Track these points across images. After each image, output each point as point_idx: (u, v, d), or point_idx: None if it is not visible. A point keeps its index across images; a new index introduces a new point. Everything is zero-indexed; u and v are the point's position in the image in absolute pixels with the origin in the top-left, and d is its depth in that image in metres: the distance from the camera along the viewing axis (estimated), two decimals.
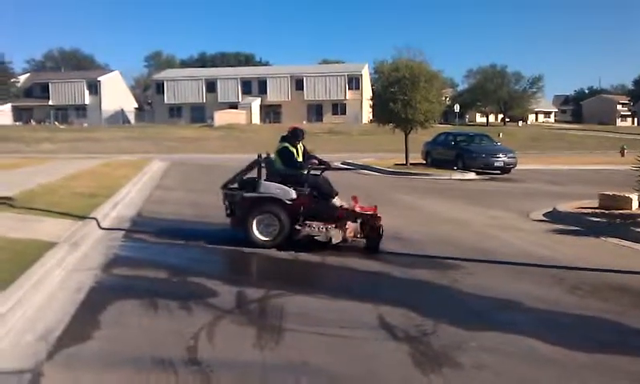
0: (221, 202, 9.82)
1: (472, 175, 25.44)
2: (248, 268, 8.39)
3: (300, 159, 9.74)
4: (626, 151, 37.85)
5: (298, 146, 9.90)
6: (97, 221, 10.77)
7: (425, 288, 7.11)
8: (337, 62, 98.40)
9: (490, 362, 4.73)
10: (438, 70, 29.30)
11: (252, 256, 8.77)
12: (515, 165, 27.12)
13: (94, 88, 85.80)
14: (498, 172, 26.59)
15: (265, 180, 9.47)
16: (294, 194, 9.13)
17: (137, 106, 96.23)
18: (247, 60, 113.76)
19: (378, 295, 6.64)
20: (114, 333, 5.33)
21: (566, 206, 13.30)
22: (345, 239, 8.98)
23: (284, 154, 9.62)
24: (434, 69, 28.24)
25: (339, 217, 9.09)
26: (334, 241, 8.85)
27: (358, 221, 9.22)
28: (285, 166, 9.55)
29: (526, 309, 6.26)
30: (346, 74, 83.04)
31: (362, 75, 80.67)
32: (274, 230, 9.04)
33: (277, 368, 4.58)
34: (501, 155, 27.16)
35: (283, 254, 8.69)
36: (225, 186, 9.86)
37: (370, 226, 9.14)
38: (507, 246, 9.70)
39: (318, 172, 9.87)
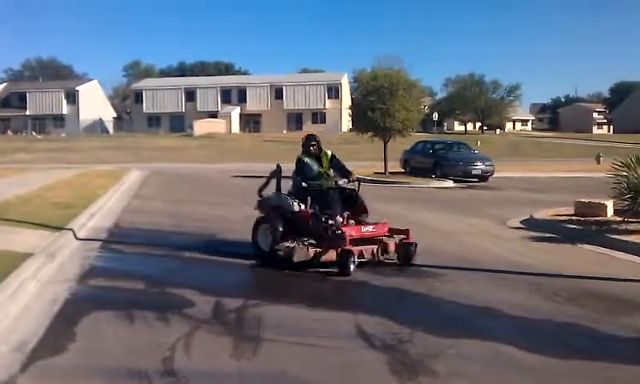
0: (199, 212, 9.74)
1: (450, 183, 25.60)
2: (225, 278, 8.34)
3: (319, 169, 9.15)
4: (601, 159, 38.26)
5: (322, 155, 9.36)
6: (73, 231, 10.68)
7: (402, 296, 7.12)
8: (316, 71, 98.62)
9: (466, 370, 4.74)
10: (417, 78, 29.52)
11: (229, 266, 8.74)
12: (493, 173, 27.35)
13: (72, 97, 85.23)
14: (476, 180, 26.80)
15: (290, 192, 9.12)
16: (295, 207, 8.75)
17: (115, 115, 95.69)
18: (227, 69, 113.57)
19: (356, 304, 6.64)
20: (89, 344, 5.28)
21: (542, 214, 13.41)
22: (322, 262, 8.28)
23: (296, 166, 9.20)
24: (412, 78, 28.47)
25: (327, 237, 8.36)
26: (295, 259, 8.14)
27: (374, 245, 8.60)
28: (301, 178, 9.01)
29: (504, 316, 6.29)
30: (325, 83, 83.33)
31: (341, 84, 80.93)
32: (271, 241, 8.68)
33: (254, 378, 4.56)
34: (478, 163, 27.40)
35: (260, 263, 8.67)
36: (258, 192, 9.53)
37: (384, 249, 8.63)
38: (484, 253, 9.76)
39: (352, 185, 9.21)
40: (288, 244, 8.36)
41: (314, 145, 9.31)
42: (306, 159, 9.20)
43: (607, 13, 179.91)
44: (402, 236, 8.81)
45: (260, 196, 9.41)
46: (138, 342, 5.34)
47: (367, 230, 8.57)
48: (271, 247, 8.59)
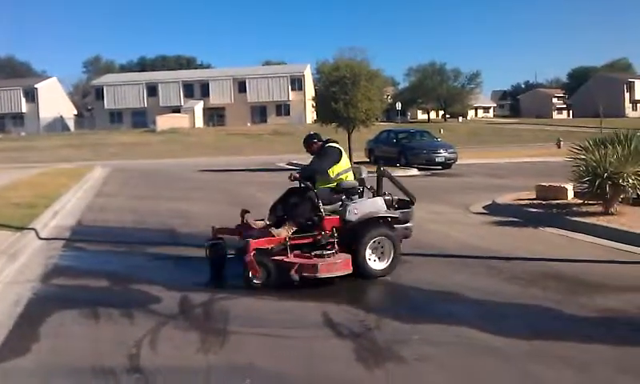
0: (162, 208, 9.67)
1: (414, 171, 25.80)
2: (191, 272, 8.31)
3: (315, 167, 7.87)
4: (561, 143, 38.88)
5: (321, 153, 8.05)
6: (36, 231, 10.53)
7: (368, 284, 7.17)
8: (279, 64, 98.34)
9: (432, 354, 4.81)
10: (379, 68, 29.50)
11: (195, 260, 8.68)
12: (456, 160, 27.63)
13: (31, 96, 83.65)
14: (440, 167, 27.05)
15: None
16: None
17: (76, 112, 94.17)
18: (188, 63, 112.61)
19: (323, 294, 6.66)
20: (53, 344, 5.23)
21: (504, 198, 13.61)
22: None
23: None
24: (374, 68, 28.50)
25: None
26: None
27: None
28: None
29: (467, 300, 6.39)
30: (288, 75, 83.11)
31: (304, 76, 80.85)
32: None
33: (221, 372, 4.57)
34: (442, 151, 27.66)
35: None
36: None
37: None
38: (447, 239, 9.88)
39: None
40: None
41: (312, 144, 8.26)
42: (314, 158, 8.13)
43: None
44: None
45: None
46: (103, 340, 5.31)
47: None
48: None
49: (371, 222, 7.39)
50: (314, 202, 7.41)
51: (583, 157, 11.54)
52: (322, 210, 7.34)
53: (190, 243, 9.73)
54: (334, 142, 8.15)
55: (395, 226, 7.64)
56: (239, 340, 5.22)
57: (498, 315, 5.88)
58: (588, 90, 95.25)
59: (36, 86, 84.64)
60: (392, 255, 7.38)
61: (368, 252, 7.27)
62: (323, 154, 7.94)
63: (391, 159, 27.85)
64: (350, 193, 7.73)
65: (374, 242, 7.32)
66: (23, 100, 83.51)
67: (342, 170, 7.83)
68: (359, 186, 7.91)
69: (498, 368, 4.57)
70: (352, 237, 7.28)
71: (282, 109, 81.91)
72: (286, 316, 5.91)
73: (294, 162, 31.25)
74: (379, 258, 7.37)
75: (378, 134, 31.36)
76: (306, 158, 8.97)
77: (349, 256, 7.10)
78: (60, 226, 11.82)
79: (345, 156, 7.97)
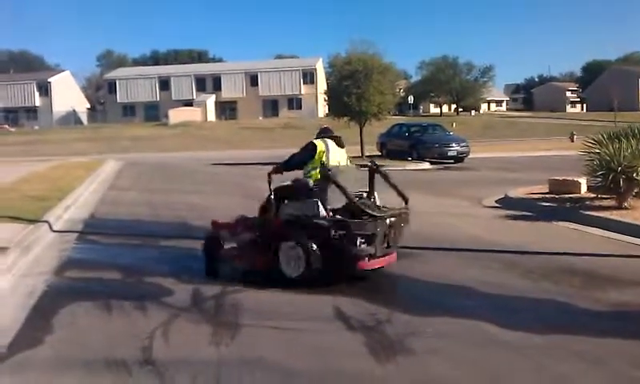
0: (176, 201, 9.71)
1: (426, 165, 25.74)
2: (203, 265, 8.34)
3: (283, 161, 7.60)
4: (575, 137, 38.63)
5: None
6: (49, 224, 10.59)
7: (379, 277, 7.16)
8: (291, 57, 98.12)
9: (444, 348, 4.80)
10: (391, 62, 29.54)
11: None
12: (468, 153, 27.52)
13: (45, 89, 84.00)
14: (452, 161, 26.95)
15: None
16: None
17: (89, 106, 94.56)
18: (200, 57, 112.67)
19: (334, 287, 6.66)
20: (66, 336, 5.26)
21: (517, 192, 13.55)
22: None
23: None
24: (386, 61, 28.49)
25: None
26: None
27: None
28: None
29: (479, 294, 6.37)
30: (300, 68, 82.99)
31: (316, 69, 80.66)
32: None
33: (232, 364, 4.57)
34: (454, 144, 27.56)
35: None
36: None
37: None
38: (460, 232, 9.85)
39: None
40: None
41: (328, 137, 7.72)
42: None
43: None
44: None
45: None
46: (116, 332, 5.33)
47: None
48: None
49: (291, 225, 6.87)
50: (270, 198, 7.24)
51: (597, 151, 11.47)
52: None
53: (202, 236, 9.72)
54: (329, 136, 7.62)
55: (337, 234, 6.56)
56: (250, 333, 5.23)
57: (511, 309, 5.85)
58: (602, 83, 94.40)
59: (49, 79, 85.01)
60: (304, 265, 6.62)
61: (280, 255, 6.78)
62: (302, 148, 7.59)
63: (403, 153, 27.83)
64: (303, 191, 7.07)
65: (287, 246, 6.75)
66: (37, 94, 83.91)
67: (313, 166, 7.25)
68: (321, 182, 6.96)
69: (511, 362, 4.54)
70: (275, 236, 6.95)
71: (294, 102, 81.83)
72: (297, 309, 5.91)
73: None
74: (293, 264, 6.72)
75: (390, 128, 31.29)
76: None
77: (266, 254, 6.92)
78: (73, 219, 11.88)
79: (323, 151, 7.31)
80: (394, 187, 7.51)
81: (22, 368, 4.59)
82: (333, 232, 6.56)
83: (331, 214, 6.79)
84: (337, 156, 7.47)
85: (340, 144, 7.69)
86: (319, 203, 6.79)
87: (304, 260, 6.62)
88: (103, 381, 4.31)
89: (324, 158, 7.28)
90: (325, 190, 6.89)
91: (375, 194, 7.39)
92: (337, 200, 6.85)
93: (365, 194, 7.27)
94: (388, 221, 6.86)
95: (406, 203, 7.42)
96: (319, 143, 7.42)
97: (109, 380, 4.32)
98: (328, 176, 6.85)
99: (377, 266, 6.89)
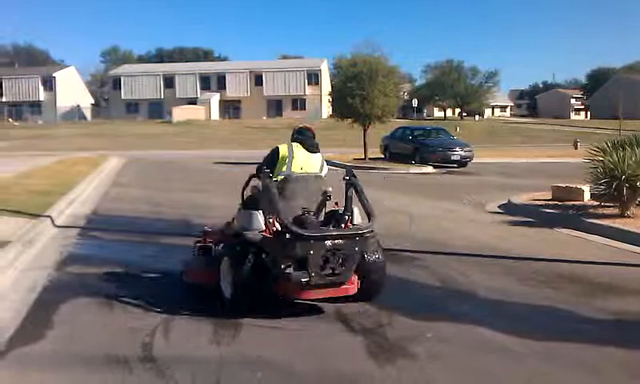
0: (178, 199, 9.72)
1: (429, 169, 25.71)
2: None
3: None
4: (579, 144, 38.53)
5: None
6: (51, 219, 10.60)
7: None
8: (296, 58, 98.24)
9: (444, 352, 4.80)
10: (396, 64, 29.46)
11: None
12: (472, 158, 27.46)
13: (49, 84, 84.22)
14: (455, 165, 26.86)
15: None
16: None
17: (93, 102, 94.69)
18: (206, 55, 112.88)
19: None
20: (67, 332, 5.27)
21: (520, 198, 13.54)
22: None
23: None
24: (391, 64, 28.45)
25: None
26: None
27: None
28: None
29: (480, 299, 6.37)
30: (305, 69, 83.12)
31: (321, 70, 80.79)
32: None
33: (233, 363, 4.57)
34: (457, 149, 27.49)
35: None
36: None
37: None
38: (462, 237, 9.84)
39: None
40: None
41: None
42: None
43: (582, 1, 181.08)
44: None
45: None
46: (116, 328, 5.33)
47: None
48: None
49: (233, 238, 6.13)
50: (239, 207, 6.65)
51: (601, 158, 11.45)
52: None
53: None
54: (303, 138, 6.64)
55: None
56: (250, 332, 5.23)
57: (512, 315, 5.85)
58: (607, 91, 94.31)
59: (54, 74, 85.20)
60: (232, 285, 5.71)
61: (221, 270, 6.00)
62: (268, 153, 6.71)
63: (406, 156, 27.79)
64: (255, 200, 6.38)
65: (225, 261, 5.99)
66: (41, 88, 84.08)
67: (277, 173, 6.37)
68: (271, 191, 5.84)
69: (510, 368, 4.55)
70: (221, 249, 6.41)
71: (298, 103, 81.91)
72: (297, 309, 5.89)
73: None
74: (226, 283, 5.89)
75: (393, 131, 31.25)
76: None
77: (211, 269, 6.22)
78: (75, 215, 11.90)
79: (286, 156, 6.44)
80: (363, 204, 6.13)
81: (22, 363, 4.59)
82: (259, 250, 5.69)
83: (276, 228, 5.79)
84: (302, 162, 6.48)
85: (312, 148, 6.64)
86: (256, 215, 5.93)
87: (231, 278, 5.76)
88: (103, 377, 4.31)
89: (285, 165, 6.40)
90: (273, 201, 5.75)
91: (354, 210, 6.23)
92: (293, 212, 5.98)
93: (316, 210, 6.32)
94: (329, 243, 5.56)
95: (369, 219, 5.96)
96: (283, 148, 6.51)
97: (109, 376, 4.32)
98: (266, 184, 6.00)
99: (314, 298, 5.80)
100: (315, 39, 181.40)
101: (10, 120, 76.97)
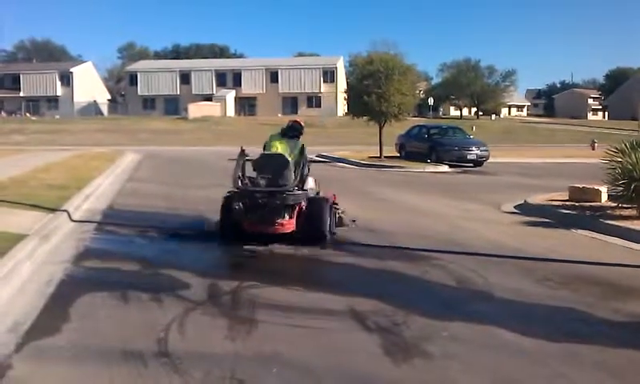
0: (194, 195, 9.79)
1: (445, 168, 25.58)
2: (221, 260, 8.37)
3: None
4: (596, 144, 38.25)
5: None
6: (68, 213, 10.66)
7: (396, 279, 7.15)
8: (312, 55, 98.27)
9: (460, 352, 4.78)
10: (412, 63, 29.35)
11: (225, 248, 8.77)
12: (488, 158, 27.30)
13: (66, 79, 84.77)
14: (471, 165, 26.72)
15: None
16: None
17: (110, 97, 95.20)
18: (222, 52, 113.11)
19: (350, 286, 6.67)
20: (83, 325, 5.30)
21: (536, 199, 13.44)
22: None
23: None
24: (408, 62, 28.35)
25: None
26: None
27: None
28: None
29: (497, 300, 6.33)
30: (321, 66, 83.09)
31: (336, 68, 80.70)
32: None
33: (248, 359, 4.58)
34: (473, 148, 27.32)
35: (257, 246, 8.68)
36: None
37: None
38: (478, 237, 9.78)
39: None
40: None
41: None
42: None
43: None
44: None
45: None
46: (132, 323, 5.36)
47: None
48: None
49: None
50: None
51: (619, 159, 11.34)
52: None
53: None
54: (284, 128, 9.82)
55: None
56: (266, 328, 5.24)
57: (528, 316, 5.80)
58: (625, 91, 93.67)
59: (71, 69, 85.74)
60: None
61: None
62: None
63: (422, 155, 27.68)
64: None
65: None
66: (58, 83, 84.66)
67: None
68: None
69: (527, 369, 4.51)
70: None
71: (314, 100, 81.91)
72: (313, 307, 5.91)
73: (324, 154, 31.17)
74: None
75: (409, 129, 31.14)
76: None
77: None
78: (92, 209, 11.96)
79: (269, 142, 9.61)
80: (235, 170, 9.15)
81: (38, 356, 4.62)
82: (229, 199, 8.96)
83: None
84: (275, 145, 9.43)
85: (289, 135, 9.63)
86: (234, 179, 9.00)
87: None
88: (119, 371, 4.33)
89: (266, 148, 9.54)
90: (234, 170, 9.11)
91: (309, 179, 9.42)
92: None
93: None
94: (258, 196, 8.62)
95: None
96: (268, 137, 9.80)
97: (124, 370, 4.34)
98: (236, 159, 9.32)
99: (252, 230, 8.66)
100: (331, 37, 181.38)
101: (28, 115, 77.60)
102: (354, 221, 10.17)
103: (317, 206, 8.94)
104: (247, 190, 8.75)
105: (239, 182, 8.87)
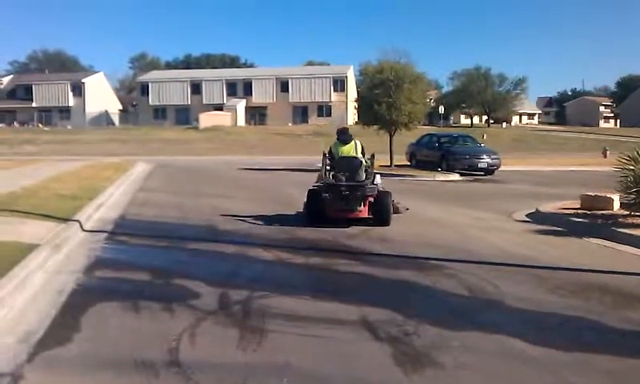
0: (204, 205, 9.83)
1: (456, 176, 25.53)
2: (231, 269, 8.38)
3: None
4: (608, 152, 38.12)
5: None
6: (80, 223, 10.71)
7: (407, 289, 7.12)
8: (322, 64, 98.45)
9: (471, 362, 4.75)
10: (423, 71, 29.36)
11: (235, 257, 8.78)
12: (499, 166, 27.25)
13: (78, 90, 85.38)
14: (482, 173, 26.66)
15: None
16: None
17: (121, 107, 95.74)
18: (232, 62, 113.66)
19: (361, 296, 6.65)
20: (95, 335, 5.31)
21: (548, 207, 13.38)
22: None
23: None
24: (418, 70, 28.36)
25: None
26: None
27: None
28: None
29: (508, 309, 6.29)
30: (331, 75, 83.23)
31: (347, 77, 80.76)
32: None
33: (259, 369, 4.57)
34: (484, 156, 27.26)
35: (267, 256, 8.71)
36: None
37: None
38: (490, 246, 9.74)
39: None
40: None
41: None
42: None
43: (614, 5, 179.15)
44: None
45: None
46: (143, 333, 5.37)
47: None
48: None
49: None
50: None
51: (631, 167, 11.29)
52: None
53: (230, 240, 9.80)
54: (338, 137, 12.54)
55: None
56: (277, 338, 5.22)
57: (540, 325, 5.76)
58: (637, 98, 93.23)
59: (83, 80, 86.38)
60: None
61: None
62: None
63: (433, 163, 27.65)
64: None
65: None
66: (70, 94, 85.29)
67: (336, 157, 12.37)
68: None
69: (538, 378, 4.48)
70: None
71: (324, 110, 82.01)
72: (324, 316, 5.89)
73: None
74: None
75: (419, 138, 31.14)
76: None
77: None
78: (103, 219, 12.01)
79: (337, 149, 12.35)
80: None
81: (49, 366, 4.63)
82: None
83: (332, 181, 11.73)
84: (343, 150, 12.28)
85: (346, 138, 12.44)
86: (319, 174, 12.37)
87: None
88: (130, 381, 4.34)
89: (334, 151, 12.37)
90: (321, 169, 12.31)
91: (376, 175, 12.26)
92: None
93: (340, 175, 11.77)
94: (343, 188, 11.35)
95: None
96: (332, 146, 12.61)
97: (136, 380, 4.34)
98: (323, 159, 12.41)
99: (336, 216, 11.37)
100: (341, 46, 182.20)
101: (40, 125, 78.15)
102: (407, 208, 13.02)
103: (384, 198, 11.55)
104: (334, 184, 11.44)
105: (329, 177, 11.78)
